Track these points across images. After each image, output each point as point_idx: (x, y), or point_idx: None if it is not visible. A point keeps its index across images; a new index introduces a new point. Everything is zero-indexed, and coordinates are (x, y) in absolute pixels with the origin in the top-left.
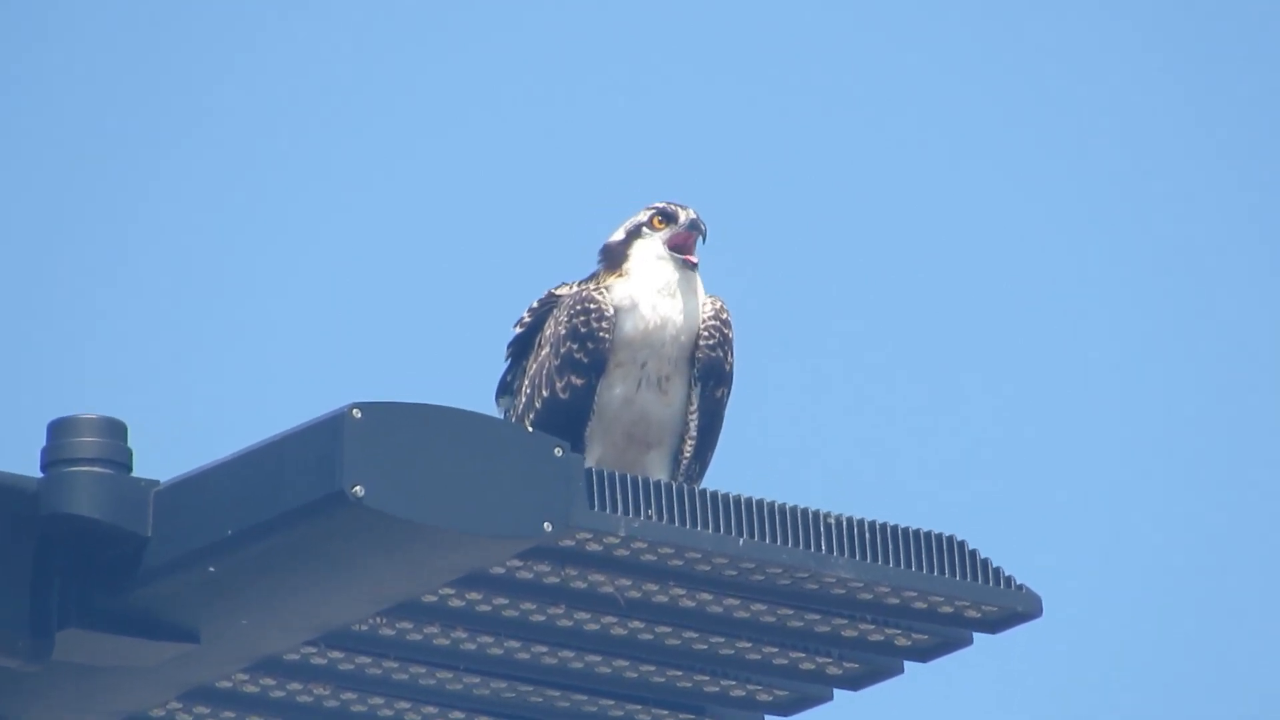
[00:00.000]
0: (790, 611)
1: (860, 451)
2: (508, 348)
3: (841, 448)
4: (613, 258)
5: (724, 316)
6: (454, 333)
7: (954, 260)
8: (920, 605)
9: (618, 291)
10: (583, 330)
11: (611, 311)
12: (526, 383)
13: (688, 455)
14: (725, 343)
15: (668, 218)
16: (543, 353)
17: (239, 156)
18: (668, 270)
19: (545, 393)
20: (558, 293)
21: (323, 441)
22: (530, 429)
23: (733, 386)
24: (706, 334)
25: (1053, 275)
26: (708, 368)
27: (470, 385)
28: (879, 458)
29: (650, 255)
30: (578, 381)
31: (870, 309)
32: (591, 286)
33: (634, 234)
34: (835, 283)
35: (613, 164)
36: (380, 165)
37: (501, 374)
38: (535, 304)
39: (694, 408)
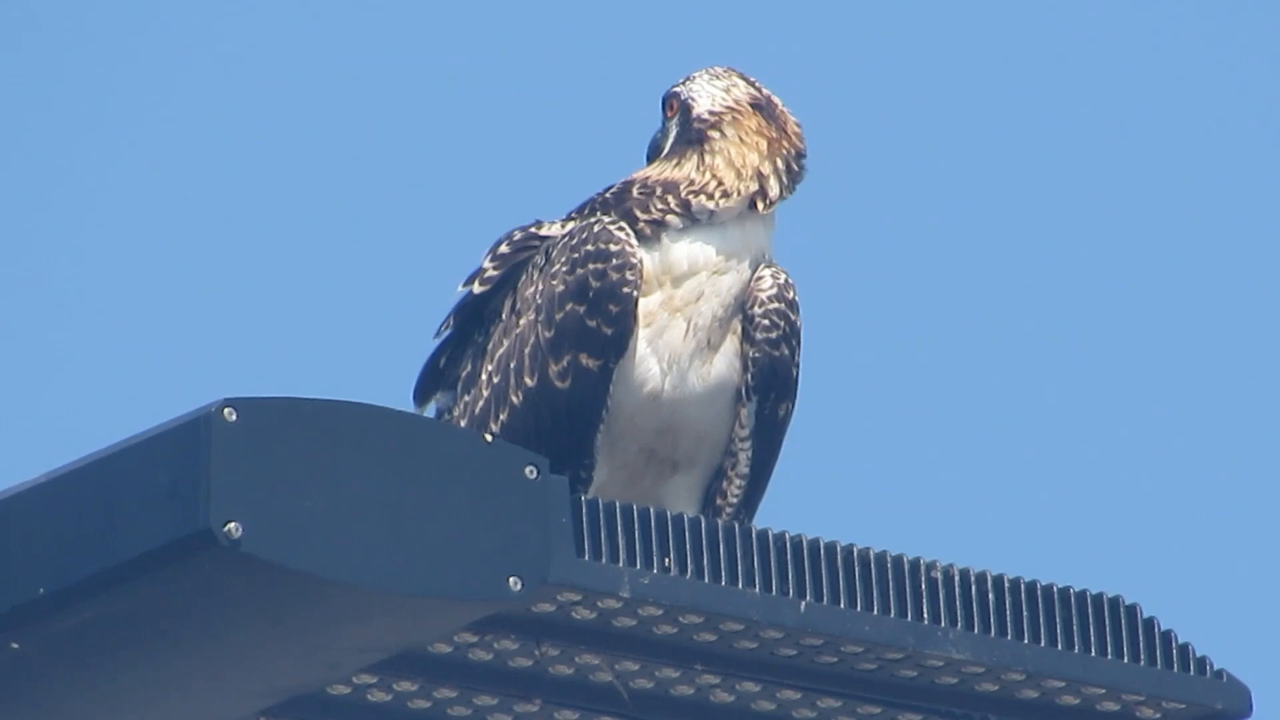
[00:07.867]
0: (877, 710)
1: (965, 480)
2: (450, 316)
3: (941, 472)
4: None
5: (790, 296)
6: (359, 311)
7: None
8: (1070, 701)
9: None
10: (597, 284)
11: (638, 258)
12: (489, 366)
13: (733, 499)
14: (792, 335)
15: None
16: (522, 321)
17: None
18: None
19: (530, 380)
20: (542, 232)
21: (181, 455)
22: (490, 437)
23: (796, 401)
24: (766, 320)
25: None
26: (766, 371)
27: (380, 381)
28: (992, 489)
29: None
30: (589, 363)
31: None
32: (608, 218)
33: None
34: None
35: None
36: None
37: (429, 355)
38: (505, 247)
39: (745, 430)
